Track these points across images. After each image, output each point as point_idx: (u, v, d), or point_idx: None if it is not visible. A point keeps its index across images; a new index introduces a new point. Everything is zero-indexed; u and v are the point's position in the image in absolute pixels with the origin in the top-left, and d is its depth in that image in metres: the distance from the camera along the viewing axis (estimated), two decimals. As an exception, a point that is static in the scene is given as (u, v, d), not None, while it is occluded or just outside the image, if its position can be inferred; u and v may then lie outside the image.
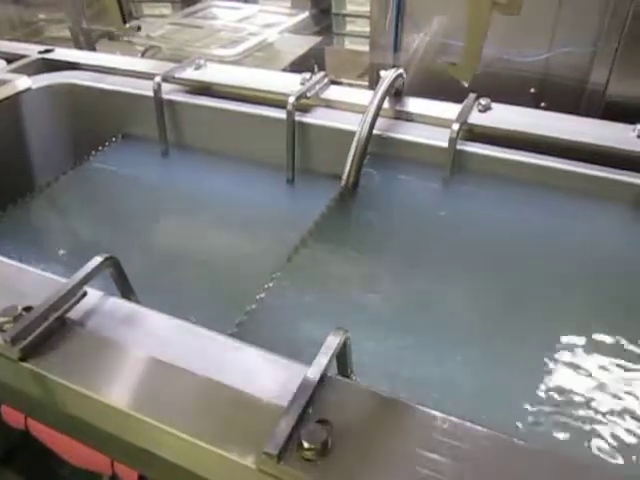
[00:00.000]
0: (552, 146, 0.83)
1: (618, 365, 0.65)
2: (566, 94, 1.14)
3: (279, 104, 0.94)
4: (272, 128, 0.95)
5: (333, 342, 0.46)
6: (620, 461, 0.55)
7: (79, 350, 0.50)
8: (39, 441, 0.58)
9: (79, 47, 1.69)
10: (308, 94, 0.94)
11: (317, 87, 0.96)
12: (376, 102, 0.84)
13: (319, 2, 1.88)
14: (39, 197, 1.01)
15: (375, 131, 0.85)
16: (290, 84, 0.96)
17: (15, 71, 1.09)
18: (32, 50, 1.18)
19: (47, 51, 1.17)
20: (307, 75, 0.98)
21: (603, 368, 0.64)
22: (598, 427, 0.58)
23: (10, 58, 1.13)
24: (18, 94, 1.04)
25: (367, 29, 1.51)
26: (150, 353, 0.49)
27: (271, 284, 0.75)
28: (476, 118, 0.87)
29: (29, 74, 1.09)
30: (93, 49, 1.72)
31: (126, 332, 0.51)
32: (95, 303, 0.54)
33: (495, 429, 0.42)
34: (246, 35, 1.67)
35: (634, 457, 0.54)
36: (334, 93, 0.98)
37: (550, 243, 0.80)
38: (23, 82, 1.05)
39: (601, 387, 0.63)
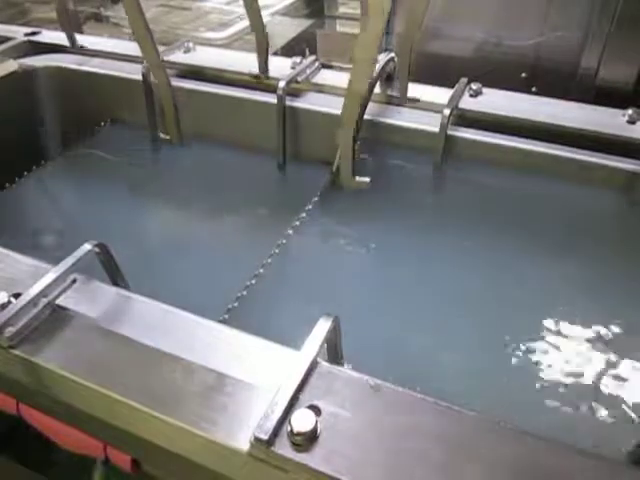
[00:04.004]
0: (543, 131, 0.83)
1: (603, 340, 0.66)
2: (557, 79, 1.14)
3: (269, 88, 0.94)
4: (262, 113, 0.95)
5: (323, 328, 0.47)
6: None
7: (69, 337, 0.50)
8: (32, 427, 0.59)
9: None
10: (299, 78, 0.93)
11: (308, 71, 0.95)
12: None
13: (310, -16, 1.85)
14: (26, 183, 1.00)
15: (366, 116, 0.85)
16: (281, 68, 0.95)
17: (0, 54, 1.07)
18: (18, 32, 1.15)
19: (33, 33, 1.15)
20: (298, 59, 0.97)
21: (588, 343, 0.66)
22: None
23: (-5, 40, 1.11)
24: (4, 77, 1.02)
25: (359, 11, 1.50)
26: (140, 340, 0.49)
27: (262, 270, 0.75)
28: (467, 103, 0.87)
29: (15, 57, 1.07)
30: (80, 31, 1.69)
31: (116, 319, 0.51)
32: (85, 290, 0.54)
33: (484, 414, 0.43)
34: (236, 18, 1.64)
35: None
36: (325, 77, 0.97)
37: (541, 228, 0.81)
38: (9, 65, 1.03)
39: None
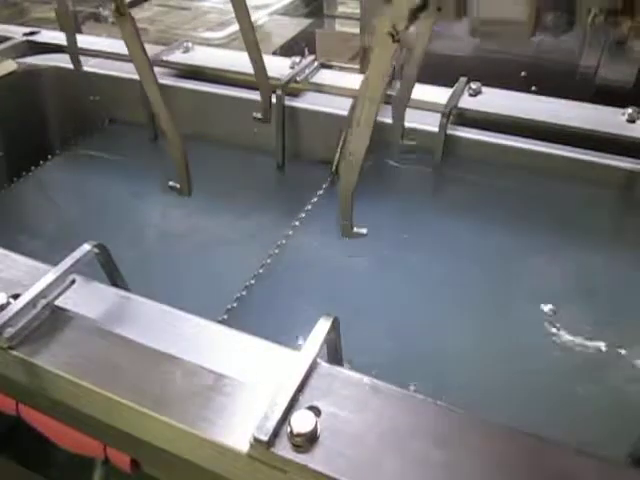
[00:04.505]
0: (543, 130, 0.83)
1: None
2: (557, 78, 1.14)
3: (269, 88, 0.93)
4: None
5: (323, 328, 0.47)
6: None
7: (68, 338, 0.50)
8: (32, 427, 0.59)
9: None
10: (298, 78, 0.93)
11: (307, 71, 0.95)
12: (366, 86, 0.83)
13: (309, -17, 1.85)
14: (26, 183, 0.99)
15: (365, 116, 0.84)
16: (280, 68, 0.95)
17: (-1, 54, 1.07)
18: (17, 32, 1.15)
19: (32, 33, 1.15)
20: (297, 59, 0.97)
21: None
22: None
23: (-6, 40, 1.11)
24: (2, 77, 1.02)
25: (358, 11, 1.50)
26: (139, 340, 0.49)
27: (261, 270, 0.75)
28: (467, 102, 0.87)
29: (14, 57, 1.06)
30: (79, 31, 1.69)
31: (115, 319, 0.51)
32: (84, 291, 0.54)
33: (482, 416, 0.43)
34: (234, 17, 1.64)
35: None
36: (324, 77, 0.97)
37: (541, 227, 0.81)
38: (8, 65, 1.03)
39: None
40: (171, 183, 0.67)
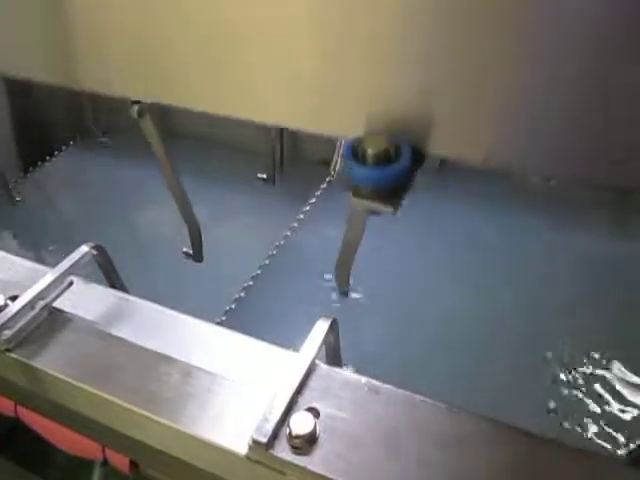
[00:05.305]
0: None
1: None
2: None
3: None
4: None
5: (321, 330, 0.46)
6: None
7: (66, 339, 0.49)
8: (31, 428, 0.59)
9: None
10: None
11: (306, 71, 0.95)
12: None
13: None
14: (23, 184, 0.99)
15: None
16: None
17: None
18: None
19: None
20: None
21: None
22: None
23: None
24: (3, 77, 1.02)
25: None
26: (137, 342, 0.49)
27: (259, 271, 0.75)
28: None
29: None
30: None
31: (113, 321, 0.51)
32: (82, 292, 0.54)
33: (484, 415, 0.43)
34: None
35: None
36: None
37: (541, 224, 0.81)
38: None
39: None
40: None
